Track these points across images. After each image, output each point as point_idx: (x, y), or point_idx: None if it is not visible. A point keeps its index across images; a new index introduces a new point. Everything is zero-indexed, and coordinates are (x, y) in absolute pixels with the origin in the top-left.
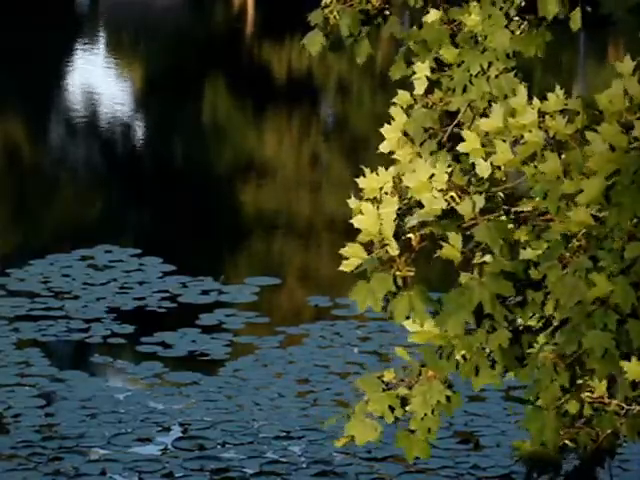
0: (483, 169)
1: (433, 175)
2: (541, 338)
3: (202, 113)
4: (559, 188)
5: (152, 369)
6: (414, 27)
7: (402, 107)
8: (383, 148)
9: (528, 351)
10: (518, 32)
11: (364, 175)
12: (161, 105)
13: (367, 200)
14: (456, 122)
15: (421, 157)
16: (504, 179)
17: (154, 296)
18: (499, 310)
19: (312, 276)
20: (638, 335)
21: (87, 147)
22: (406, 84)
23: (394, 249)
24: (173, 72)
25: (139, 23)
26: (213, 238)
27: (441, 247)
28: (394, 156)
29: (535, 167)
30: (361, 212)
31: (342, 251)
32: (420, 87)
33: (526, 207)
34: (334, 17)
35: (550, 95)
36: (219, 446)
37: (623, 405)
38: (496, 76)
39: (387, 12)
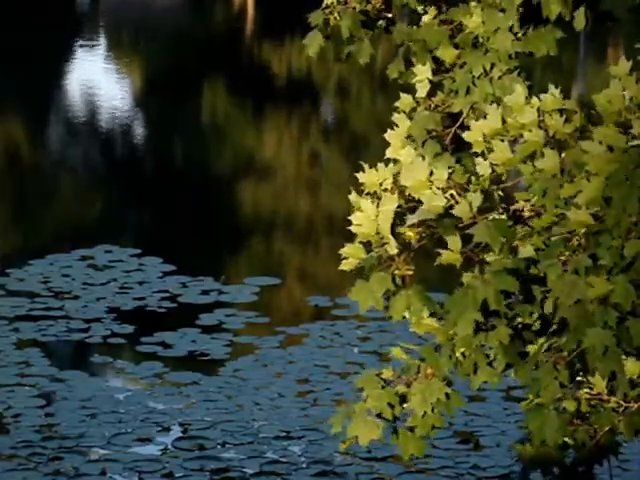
0: (483, 167)
1: (432, 173)
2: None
3: (202, 113)
4: (557, 187)
5: (152, 369)
6: (413, 27)
7: (404, 111)
8: (389, 153)
9: (528, 349)
10: (521, 34)
11: (363, 171)
12: (161, 105)
13: (367, 195)
14: (459, 124)
15: (424, 159)
16: (504, 179)
17: (154, 296)
18: (504, 307)
19: (312, 276)
20: (638, 333)
21: (87, 147)
22: (406, 85)
23: (393, 247)
24: (173, 72)
25: (139, 23)
26: (213, 238)
27: (440, 246)
28: (396, 156)
29: (534, 166)
30: (360, 209)
31: (341, 251)
32: (422, 90)
33: (525, 206)
34: (334, 18)
35: (546, 95)
36: (219, 446)
37: (621, 402)
38: (499, 77)
39: (387, 14)
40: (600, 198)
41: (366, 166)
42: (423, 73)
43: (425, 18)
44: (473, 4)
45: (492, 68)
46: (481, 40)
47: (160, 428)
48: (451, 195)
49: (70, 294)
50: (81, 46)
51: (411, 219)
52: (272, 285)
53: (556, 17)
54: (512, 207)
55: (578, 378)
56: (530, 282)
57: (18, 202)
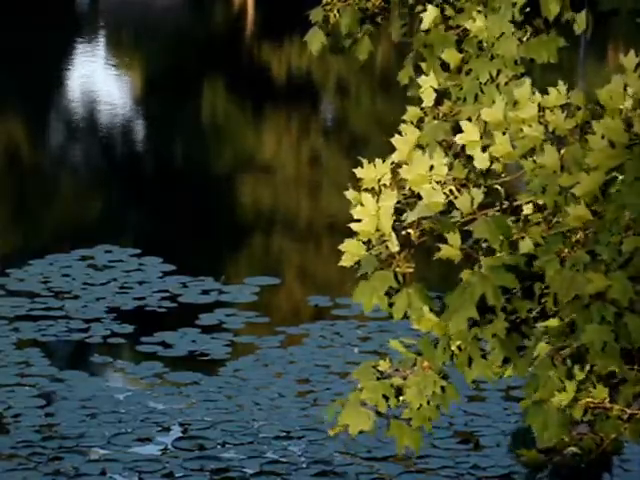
0: (481, 161)
1: (432, 168)
2: (538, 331)
3: (202, 113)
4: (557, 182)
5: (152, 369)
6: (421, 33)
7: (412, 122)
8: (395, 158)
9: (525, 344)
10: (525, 38)
11: (362, 166)
12: (161, 105)
13: (365, 190)
14: None
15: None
16: (504, 175)
17: (154, 296)
18: (501, 303)
19: (312, 276)
20: (636, 329)
21: (87, 147)
22: (405, 86)
23: (394, 245)
24: (173, 72)
25: (139, 23)
26: (213, 238)
27: (440, 243)
28: (402, 160)
29: (534, 162)
30: (361, 204)
31: (341, 247)
32: (429, 99)
33: (524, 201)
34: (334, 15)
35: (551, 89)
36: (219, 446)
37: (626, 410)
38: (506, 83)
39: (386, 11)
40: (597, 191)
41: (364, 161)
42: (428, 82)
43: (425, 18)
44: (477, 8)
45: (498, 74)
46: (485, 45)
47: (160, 428)
48: (450, 191)
49: (70, 294)
50: (81, 46)
51: (410, 216)
52: (272, 285)
53: (556, 19)
54: (514, 203)
55: (580, 376)
56: (528, 279)
57: (18, 202)
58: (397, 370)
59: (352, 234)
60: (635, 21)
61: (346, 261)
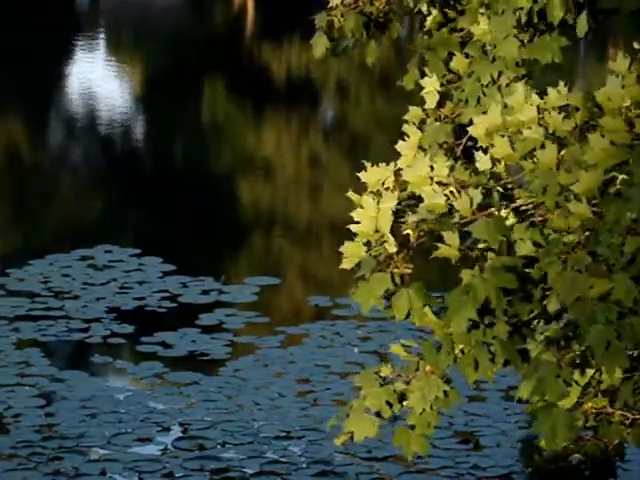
0: (483, 162)
1: (433, 169)
2: (540, 335)
3: (202, 113)
4: (557, 180)
5: (152, 369)
6: (424, 36)
7: (414, 123)
8: (400, 164)
9: (528, 347)
10: (527, 39)
11: (365, 170)
12: (161, 105)
13: (369, 193)
14: (469, 135)
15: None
16: (505, 176)
17: (154, 296)
18: (503, 305)
19: (312, 276)
20: None
21: (87, 147)
22: (406, 87)
23: (392, 246)
24: (173, 72)
25: (139, 23)
26: (213, 238)
27: (439, 243)
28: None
29: (534, 163)
30: (361, 206)
31: (341, 249)
32: (431, 101)
33: (524, 201)
34: (339, 20)
35: (551, 90)
36: (219, 446)
37: (628, 415)
38: (507, 85)
39: (390, 16)
40: (596, 189)
41: (368, 165)
42: (431, 84)
43: (429, 20)
44: (481, 10)
45: (499, 76)
46: (488, 47)
47: (160, 428)
48: (451, 192)
49: (70, 294)
50: (81, 46)
51: (411, 218)
52: (272, 285)
53: (559, 22)
54: (513, 205)
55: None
56: (529, 281)
57: (18, 202)
58: (399, 375)
59: (352, 235)
60: (636, 21)
61: (346, 264)
